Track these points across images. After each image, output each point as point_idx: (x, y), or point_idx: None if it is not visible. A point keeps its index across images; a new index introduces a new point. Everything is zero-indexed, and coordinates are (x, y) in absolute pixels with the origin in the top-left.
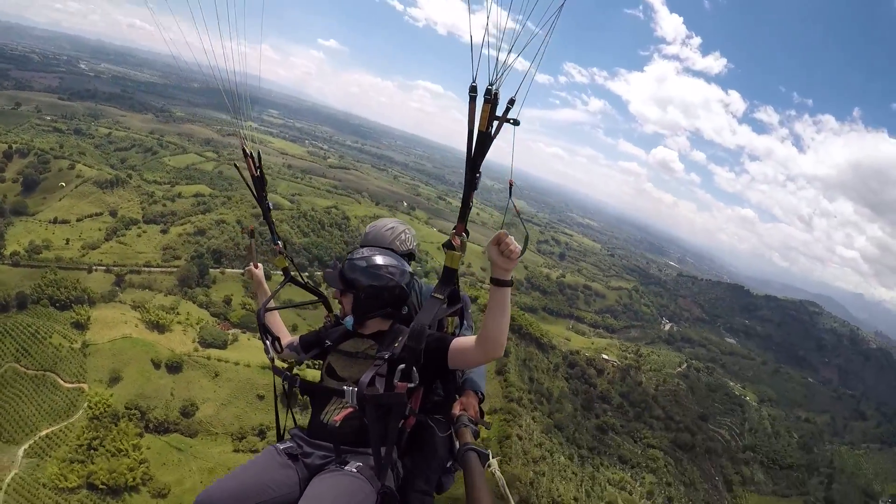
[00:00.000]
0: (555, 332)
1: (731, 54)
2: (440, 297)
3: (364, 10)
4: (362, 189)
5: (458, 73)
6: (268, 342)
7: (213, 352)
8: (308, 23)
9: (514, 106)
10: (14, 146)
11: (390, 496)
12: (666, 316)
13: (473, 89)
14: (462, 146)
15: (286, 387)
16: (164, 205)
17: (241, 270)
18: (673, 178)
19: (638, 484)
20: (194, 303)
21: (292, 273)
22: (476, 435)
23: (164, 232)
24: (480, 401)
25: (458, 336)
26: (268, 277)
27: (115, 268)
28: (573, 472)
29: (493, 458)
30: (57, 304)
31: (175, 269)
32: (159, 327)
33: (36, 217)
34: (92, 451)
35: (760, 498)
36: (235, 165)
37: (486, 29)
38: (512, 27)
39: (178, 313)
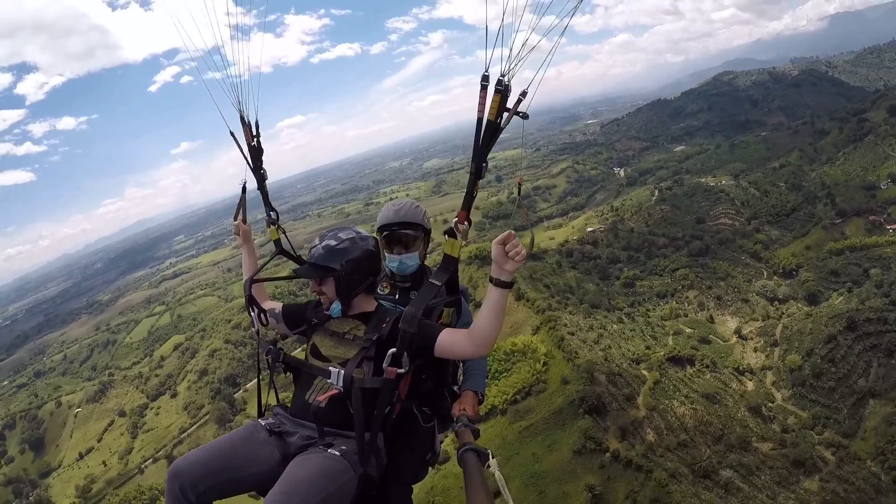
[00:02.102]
0: (537, 240)
1: None
2: (437, 283)
3: (195, 94)
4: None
5: (306, 93)
6: (254, 314)
7: None
8: (156, 140)
9: (521, 97)
10: None
11: (370, 482)
12: (615, 166)
13: (485, 78)
14: (352, 152)
15: (269, 361)
16: (157, 375)
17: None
18: (541, 53)
19: (686, 304)
20: None
21: (284, 246)
22: (476, 435)
23: (174, 396)
24: (480, 402)
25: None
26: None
27: (159, 453)
28: (630, 330)
29: (492, 457)
30: None
31: (207, 416)
32: None
33: (63, 467)
34: None
35: (786, 248)
36: (232, 134)
37: (503, 20)
38: (526, 20)
39: None
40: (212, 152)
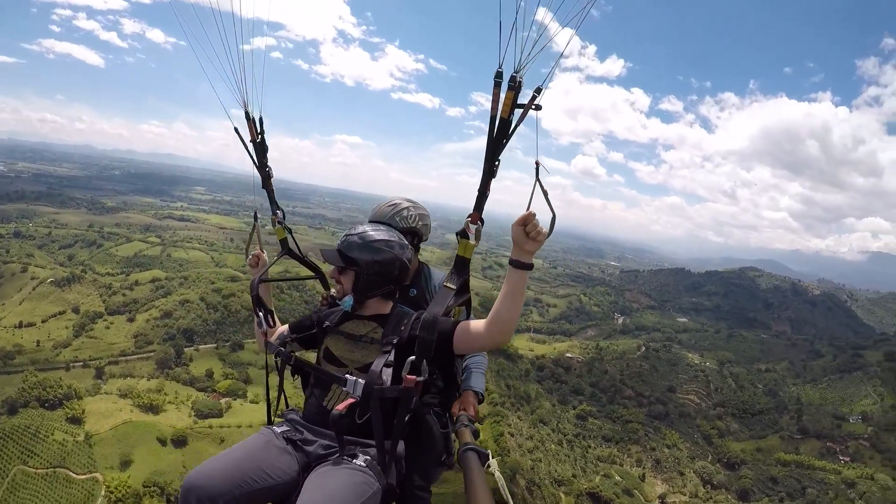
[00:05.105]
0: (518, 345)
1: (627, 55)
2: (452, 286)
3: (271, 72)
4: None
5: (372, 121)
6: (261, 315)
7: (213, 421)
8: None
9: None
10: None
11: (391, 492)
12: (617, 311)
13: (499, 75)
14: (387, 193)
15: (278, 364)
16: (124, 294)
17: (232, 337)
18: (597, 183)
19: (626, 455)
20: (178, 382)
21: (290, 246)
22: (476, 434)
23: (130, 321)
24: (480, 401)
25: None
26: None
27: (93, 362)
28: (565, 455)
29: (492, 458)
30: (46, 405)
31: (151, 354)
32: (153, 408)
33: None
34: None
35: (739, 443)
36: (236, 129)
37: (518, 9)
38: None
39: (165, 394)
40: (268, 128)
